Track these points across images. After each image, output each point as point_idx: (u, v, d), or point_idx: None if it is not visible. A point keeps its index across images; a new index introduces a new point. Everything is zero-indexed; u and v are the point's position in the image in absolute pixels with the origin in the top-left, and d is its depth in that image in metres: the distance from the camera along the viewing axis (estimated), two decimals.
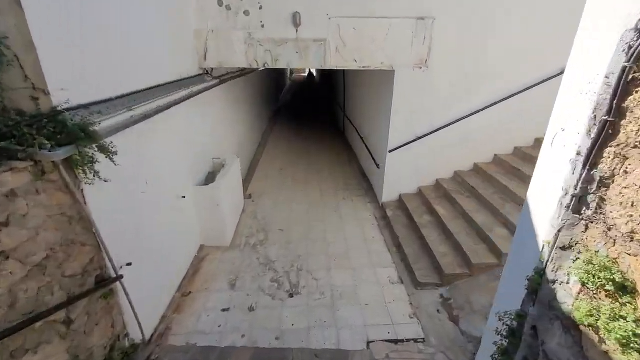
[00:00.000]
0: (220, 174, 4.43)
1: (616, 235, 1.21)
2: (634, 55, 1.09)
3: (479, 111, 4.74)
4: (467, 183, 4.78)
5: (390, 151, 4.94)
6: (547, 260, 1.53)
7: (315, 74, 27.92)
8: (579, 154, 1.35)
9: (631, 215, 1.14)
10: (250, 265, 4.13)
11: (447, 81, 4.59)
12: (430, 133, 4.86)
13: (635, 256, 1.14)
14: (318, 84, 23.63)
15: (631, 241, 1.15)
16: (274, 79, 13.70)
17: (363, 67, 4.53)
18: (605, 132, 1.22)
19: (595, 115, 1.27)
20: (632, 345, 1.12)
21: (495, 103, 4.70)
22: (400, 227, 4.69)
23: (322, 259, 4.22)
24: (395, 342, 3.07)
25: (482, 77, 4.61)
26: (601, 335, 1.23)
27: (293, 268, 4.06)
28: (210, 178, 4.49)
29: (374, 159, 5.61)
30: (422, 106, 4.74)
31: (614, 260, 1.23)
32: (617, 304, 1.20)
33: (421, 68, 4.49)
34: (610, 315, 1.19)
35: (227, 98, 5.94)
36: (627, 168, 1.17)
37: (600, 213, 1.28)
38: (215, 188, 4.10)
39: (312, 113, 13.76)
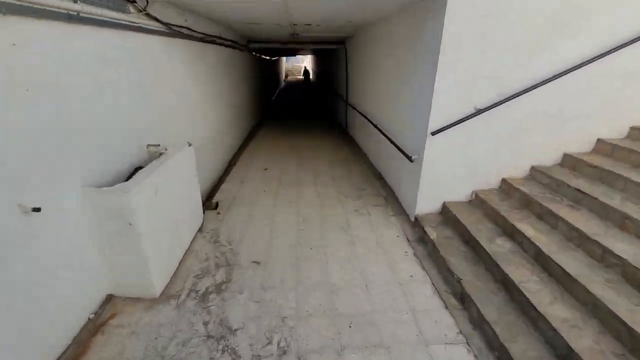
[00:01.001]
0: (143, 170, 2.50)
1: None
2: None
3: (581, 65, 2.88)
4: (565, 184, 2.88)
5: (433, 133, 3.05)
6: None
7: (311, 74, 26.33)
8: None
9: None
10: (189, 340, 2.16)
11: (532, 12, 2.74)
12: (498, 103, 2.98)
13: None
14: (315, 84, 21.98)
15: None
16: (267, 75, 11.92)
17: None
18: None
19: None
20: None
21: (611, 51, 2.85)
22: (457, 258, 2.76)
23: (324, 325, 2.27)
24: None
25: (590, 4, 2.77)
26: None
27: (270, 347, 2.11)
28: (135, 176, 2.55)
29: (401, 150, 3.69)
30: (486, 59, 2.87)
31: None
32: None
33: None
34: None
35: (195, 68, 4.07)
36: None
37: None
38: (124, 192, 2.15)
39: (309, 113, 11.93)
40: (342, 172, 5.28)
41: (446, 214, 3.38)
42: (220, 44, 5.31)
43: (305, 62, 29.22)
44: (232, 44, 6.09)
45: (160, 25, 3.29)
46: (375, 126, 4.89)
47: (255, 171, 5.37)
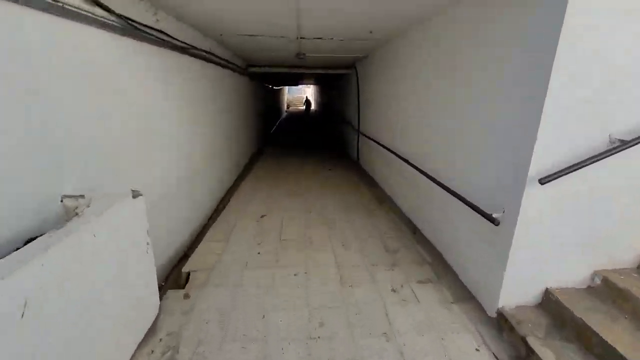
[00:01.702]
0: (18, 252, 1.23)
1: None
2: None
3: None
4: None
5: (541, 181, 1.80)
6: None
7: (312, 103, 25.83)
8: None
9: None
10: None
11: None
12: None
13: None
14: (318, 113, 21.30)
15: None
16: (269, 103, 11.00)
17: None
18: None
19: None
20: None
21: None
22: None
23: None
24: None
25: None
26: None
27: None
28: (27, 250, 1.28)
29: (471, 205, 2.40)
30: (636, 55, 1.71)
31: None
32: None
33: None
34: None
35: (174, 86, 2.93)
36: None
37: None
38: None
39: (314, 143, 10.88)
40: (362, 222, 3.98)
41: (553, 309, 2.05)
42: (208, 60, 4.24)
43: (306, 93, 28.94)
44: (225, 63, 5.05)
45: (108, 15, 2.17)
46: (410, 164, 3.67)
47: (249, 219, 4.08)
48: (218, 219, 4.09)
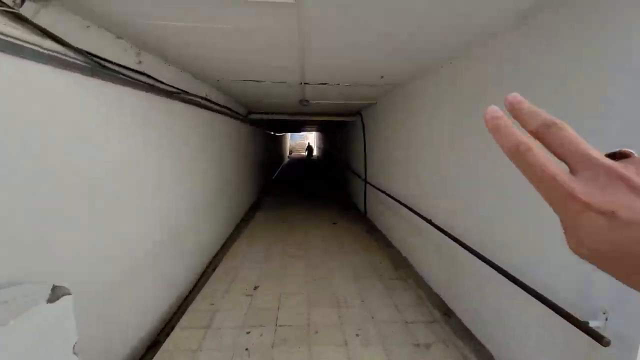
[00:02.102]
0: None
1: None
2: None
3: None
4: None
5: None
6: None
7: (315, 149, 25.89)
8: None
9: None
10: None
11: None
12: None
13: None
14: (321, 160, 21.14)
15: None
16: (271, 149, 10.68)
17: None
18: None
19: None
20: None
21: None
22: None
23: None
24: None
25: None
26: None
27: None
28: None
29: (560, 310, 1.67)
30: None
31: None
32: None
33: None
34: None
35: (150, 128, 2.40)
36: None
37: None
38: None
39: (316, 192, 10.35)
40: (379, 298, 3.21)
41: None
42: (203, 106, 3.81)
43: (309, 139, 29.25)
44: (222, 109, 4.66)
45: (64, 50, 1.69)
46: (437, 226, 3.01)
47: (239, 292, 3.33)
48: (202, 291, 3.34)
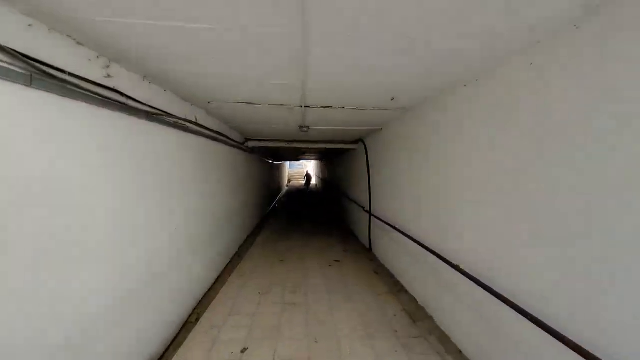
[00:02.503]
0: None
1: None
2: None
3: None
4: None
5: None
6: None
7: (313, 177, 25.51)
8: None
9: None
10: None
11: None
12: None
13: None
14: (320, 189, 20.69)
15: None
16: (269, 178, 10.18)
17: None
18: None
19: None
20: None
21: None
22: None
23: None
24: None
25: None
26: None
27: None
28: None
29: None
30: None
31: None
32: None
33: None
34: None
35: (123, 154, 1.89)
36: None
37: None
38: None
39: (316, 223, 9.78)
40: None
41: None
42: (191, 131, 3.36)
43: (307, 167, 28.95)
44: (215, 135, 4.22)
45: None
46: (469, 275, 2.44)
47: (223, 352, 2.67)
48: (180, 350, 2.67)
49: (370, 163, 6.11)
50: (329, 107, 3.65)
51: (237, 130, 5.72)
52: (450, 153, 2.93)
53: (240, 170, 6.31)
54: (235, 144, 5.44)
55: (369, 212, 5.98)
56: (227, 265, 5.03)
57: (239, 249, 5.98)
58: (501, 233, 2.16)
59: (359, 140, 6.89)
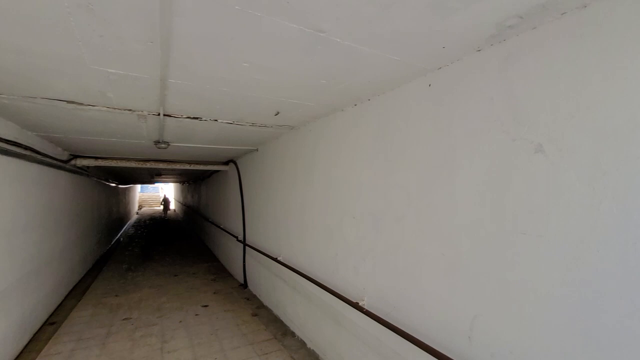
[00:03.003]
0: None
1: None
2: None
3: None
4: None
5: None
6: None
7: (172, 202, 22.44)
8: None
9: None
10: None
11: None
12: None
13: None
14: (181, 216, 18.19)
15: None
16: (108, 212, 7.77)
17: None
18: None
19: None
20: None
21: None
22: None
23: None
24: None
25: None
26: None
27: None
28: None
29: None
30: None
31: None
32: None
33: None
34: None
35: None
36: None
37: None
38: None
39: (174, 257, 8.24)
40: None
41: None
42: None
43: (165, 191, 25.18)
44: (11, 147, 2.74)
45: None
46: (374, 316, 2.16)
47: None
48: None
49: (243, 187, 5.48)
50: (197, 118, 2.91)
51: (59, 143, 4.08)
52: (334, 175, 2.71)
53: (62, 197, 4.51)
54: (49, 160, 3.82)
55: (244, 243, 5.28)
56: (35, 335, 3.29)
57: (58, 307, 4.13)
58: (394, 263, 1.98)
59: (230, 161, 6.18)
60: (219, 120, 3.00)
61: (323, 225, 2.93)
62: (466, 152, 1.60)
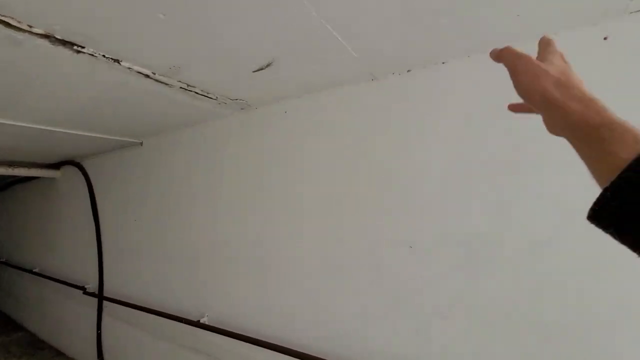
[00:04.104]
0: None
1: None
2: None
3: None
4: None
5: None
6: None
7: None
8: None
9: None
10: None
11: None
12: None
13: None
14: None
15: None
16: None
17: None
18: None
19: None
20: None
21: None
22: None
23: None
24: None
25: None
26: None
27: None
28: None
29: None
30: None
31: None
32: None
33: None
34: None
35: None
36: None
37: None
38: None
39: None
40: None
41: None
42: None
43: None
44: None
45: None
46: None
47: None
48: None
49: (99, 202, 3.38)
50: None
51: None
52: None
53: None
54: None
55: (99, 296, 3.18)
56: None
57: None
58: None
59: (68, 163, 3.82)
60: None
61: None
62: None
